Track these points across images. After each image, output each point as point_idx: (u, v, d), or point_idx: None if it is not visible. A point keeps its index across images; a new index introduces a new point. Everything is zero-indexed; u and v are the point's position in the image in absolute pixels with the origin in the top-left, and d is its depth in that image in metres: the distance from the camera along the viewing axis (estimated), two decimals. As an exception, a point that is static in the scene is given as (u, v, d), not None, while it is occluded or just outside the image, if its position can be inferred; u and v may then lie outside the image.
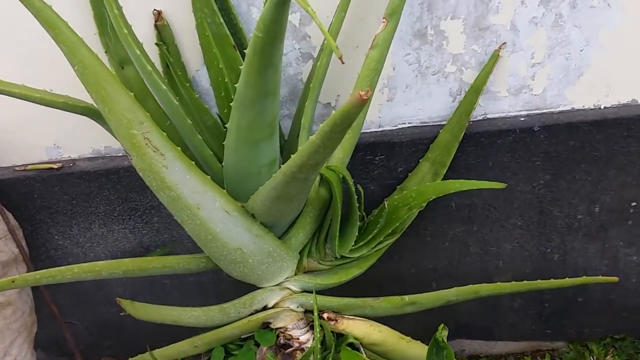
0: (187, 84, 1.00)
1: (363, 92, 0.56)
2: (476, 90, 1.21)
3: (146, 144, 0.92)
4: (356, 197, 1.08)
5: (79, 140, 1.31)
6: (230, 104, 0.92)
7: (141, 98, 1.15)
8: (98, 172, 1.30)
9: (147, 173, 0.94)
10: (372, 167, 1.30)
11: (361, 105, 0.57)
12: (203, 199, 0.98)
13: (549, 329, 1.57)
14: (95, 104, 0.92)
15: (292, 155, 0.80)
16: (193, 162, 0.96)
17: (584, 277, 1.28)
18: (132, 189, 1.33)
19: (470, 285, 1.22)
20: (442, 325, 0.93)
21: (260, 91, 0.88)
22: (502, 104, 1.27)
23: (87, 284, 1.47)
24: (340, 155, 1.13)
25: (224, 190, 1.00)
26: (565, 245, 1.42)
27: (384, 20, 1.05)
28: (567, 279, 1.27)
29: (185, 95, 1.01)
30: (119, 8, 0.97)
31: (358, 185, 1.10)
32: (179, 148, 0.95)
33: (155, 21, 1.12)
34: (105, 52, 1.13)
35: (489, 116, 1.28)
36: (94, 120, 1.02)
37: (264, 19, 0.73)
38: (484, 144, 1.27)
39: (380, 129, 1.29)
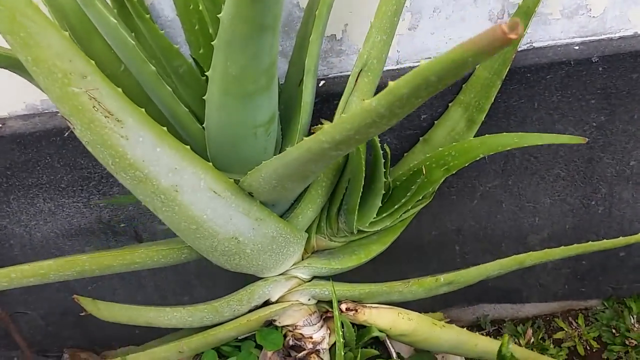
0: (147, 15, 0.69)
1: (508, 26, 0.29)
2: (526, 11, 0.93)
3: (94, 106, 0.63)
4: (383, 161, 0.82)
5: (6, 94, 1.00)
6: (211, 43, 0.64)
7: (83, 37, 0.85)
8: (35, 134, 1.00)
9: (98, 148, 0.66)
10: (389, 115, 1.03)
11: (501, 47, 0.31)
12: (182, 178, 0.70)
13: (584, 287, 1.38)
14: (13, 52, 0.62)
15: (325, 126, 0.53)
16: (164, 128, 0.68)
17: (640, 233, 1.06)
18: (82, 153, 1.03)
19: (514, 257, 0.99)
20: (506, 337, 0.70)
21: (255, 24, 0.59)
22: (552, 29, 1.00)
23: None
24: (358, 107, 0.86)
25: (210, 164, 0.73)
26: (613, 197, 1.20)
27: None
28: (621, 238, 1.04)
29: (144, 30, 0.71)
30: None
31: (385, 145, 0.83)
32: (142, 109, 0.66)
33: None
34: (27, -29, 0.81)
35: (535, 45, 1.01)
36: (18, 73, 0.72)
37: None
38: (529, 81, 1.01)
39: (398, 66, 1.01)
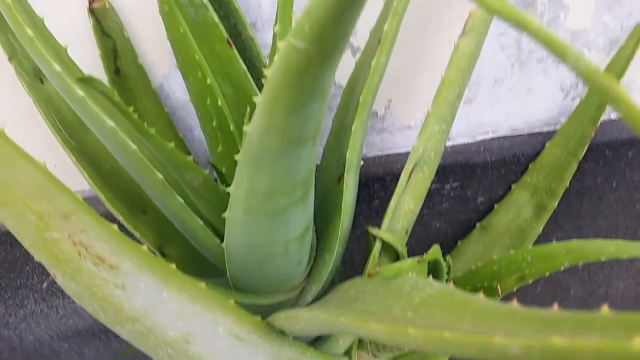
0: (152, 131, 0.53)
1: None
2: (607, 81, 0.77)
3: (80, 253, 0.47)
4: (446, 277, 0.66)
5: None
6: (236, 153, 0.49)
7: (78, 129, 0.71)
8: (25, 229, 0.85)
9: (86, 300, 0.50)
10: (440, 199, 0.88)
11: None
12: (195, 325, 0.55)
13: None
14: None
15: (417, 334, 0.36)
16: (173, 265, 0.52)
17: None
18: (81, 248, 0.88)
19: None
20: None
21: (292, 138, 0.44)
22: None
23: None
24: (411, 206, 0.70)
25: (231, 302, 0.57)
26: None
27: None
28: None
29: (149, 146, 0.55)
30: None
31: (448, 257, 0.68)
32: (144, 247, 0.50)
33: (90, 3, 0.65)
34: (10, 59, 0.67)
35: (613, 116, 0.85)
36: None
37: (316, 19, 0.29)
38: (608, 159, 0.85)
39: (450, 143, 0.86)
